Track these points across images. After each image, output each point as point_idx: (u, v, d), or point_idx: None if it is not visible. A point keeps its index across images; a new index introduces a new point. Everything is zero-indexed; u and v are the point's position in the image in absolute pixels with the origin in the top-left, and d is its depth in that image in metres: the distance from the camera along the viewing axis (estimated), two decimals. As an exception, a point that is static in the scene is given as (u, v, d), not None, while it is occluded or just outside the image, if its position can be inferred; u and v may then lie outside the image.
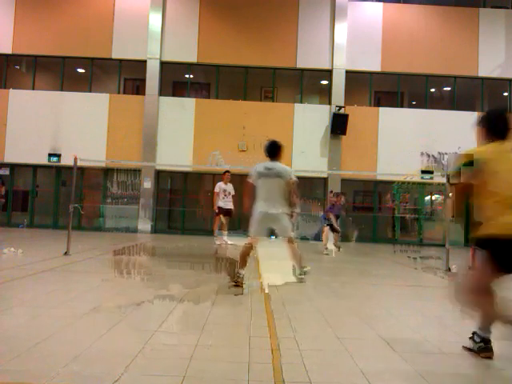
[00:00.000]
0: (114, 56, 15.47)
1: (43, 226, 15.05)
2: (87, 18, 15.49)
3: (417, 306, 5.03)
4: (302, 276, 5.88)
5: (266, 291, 5.26)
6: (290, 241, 5.74)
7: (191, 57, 15.54)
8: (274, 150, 5.77)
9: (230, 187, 11.23)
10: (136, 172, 15.09)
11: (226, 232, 11.40)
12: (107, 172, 15.42)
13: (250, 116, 15.21)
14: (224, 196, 11.10)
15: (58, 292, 4.87)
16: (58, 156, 14.93)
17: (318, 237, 13.01)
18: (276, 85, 16.18)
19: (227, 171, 11.28)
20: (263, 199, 5.53)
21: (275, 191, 5.52)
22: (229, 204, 11.17)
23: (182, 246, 10.98)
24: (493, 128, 3.23)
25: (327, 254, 10.13)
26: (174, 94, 16.56)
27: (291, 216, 5.74)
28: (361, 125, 15.14)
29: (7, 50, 15.49)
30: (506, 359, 3.17)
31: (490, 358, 3.08)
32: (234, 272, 5.52)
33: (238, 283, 5.39)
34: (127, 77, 16.79)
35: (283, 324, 3.81)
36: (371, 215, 15.70)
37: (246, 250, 5.56)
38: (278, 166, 5.66)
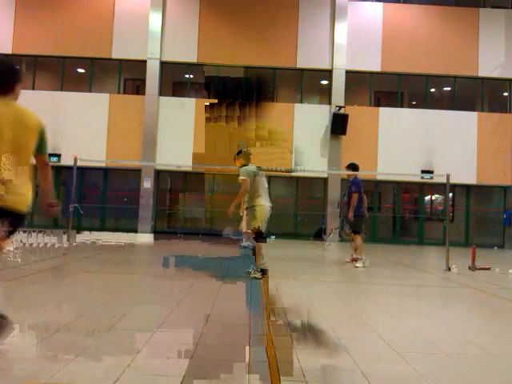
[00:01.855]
0: (114, 56, 15.46)
1: (43, 225, 15.01)
2: (87, 18, 15.48)
3: (417, 306, 5.02)
4: (257, 272, 5.81)
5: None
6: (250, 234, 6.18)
7: (191, 57, 15.52)
8: (248, 156, 6.46)
9: None
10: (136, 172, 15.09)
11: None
12: (107, 172, 15.43)
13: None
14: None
15: (57, 291, 4.86)
16: (58, 156, 14.91)
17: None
18: (276, 85, 16.18)
19: None
20: (263, 196, 6.08)
21: (266, 188, 6.21)
22: None
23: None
24: None
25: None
26: (173, 94, 16.56)
27: None
28: (361, 125, 15.12)
29: (7, 50, 15.46)
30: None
31: None
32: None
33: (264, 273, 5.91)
34: (127, 77, 16.79)
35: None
36: (371, 215, 15.65)
37: (259, 244, 6.18)
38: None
